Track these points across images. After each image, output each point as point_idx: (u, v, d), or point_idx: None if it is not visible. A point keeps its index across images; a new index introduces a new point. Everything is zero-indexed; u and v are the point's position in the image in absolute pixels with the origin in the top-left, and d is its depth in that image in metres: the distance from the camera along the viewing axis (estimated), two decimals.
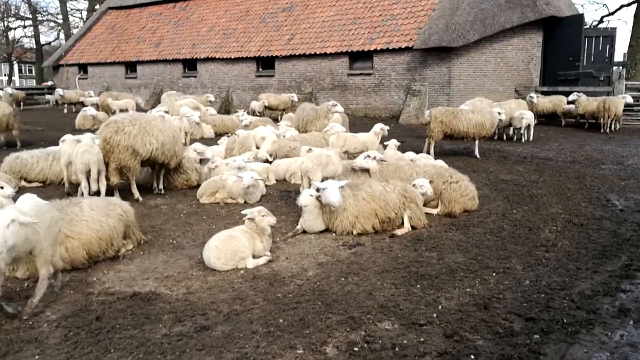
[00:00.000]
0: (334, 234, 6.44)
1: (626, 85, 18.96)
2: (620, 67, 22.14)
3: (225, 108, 24.74)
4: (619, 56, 25.83)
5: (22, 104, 25.86)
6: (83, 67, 32.42)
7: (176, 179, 9.00)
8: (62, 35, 48.84)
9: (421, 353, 3.67)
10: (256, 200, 8.14)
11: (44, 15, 49.46)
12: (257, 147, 10.22)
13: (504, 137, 15.32)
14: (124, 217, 5.75)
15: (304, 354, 3.66)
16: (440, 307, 4.41)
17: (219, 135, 15.74)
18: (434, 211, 7.40)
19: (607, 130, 16.38)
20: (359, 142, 10.01)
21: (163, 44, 28.91)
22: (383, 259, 5.58)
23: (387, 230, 6.53)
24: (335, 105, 13.33)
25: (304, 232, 6.55)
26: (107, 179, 7.79)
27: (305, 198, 6.42)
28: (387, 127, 10.38)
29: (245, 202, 8.06)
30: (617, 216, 7.26)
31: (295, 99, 20.43)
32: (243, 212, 5.69)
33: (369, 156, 7.77)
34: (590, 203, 7.98)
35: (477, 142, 12.14)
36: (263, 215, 5.58)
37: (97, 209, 5.53)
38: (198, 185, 8.68)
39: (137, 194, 8.15)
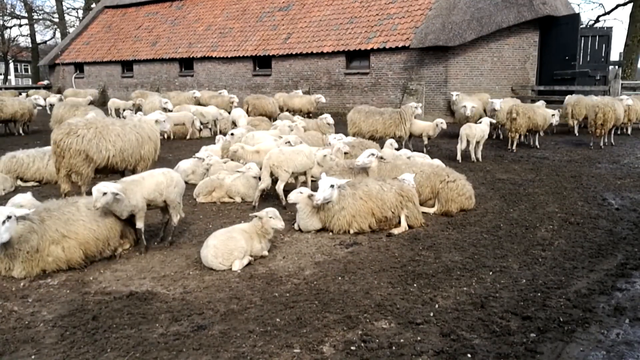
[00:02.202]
0: (330, 233, 6.44)
1: (622, 84, 19.00)
2: (617, 67, 22.18)
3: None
4: (615, 55, 25.86)
5: None
6: (79, 66, 32.33)
7: None
8: (58, 34, 48.62)
9: (418, 352, 3.67)
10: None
11: (40, 14, 49.34)
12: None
13: (501, 136, 15.33)
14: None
15: (300, 353, 3.66)
16: (437, 306, 4.42)
17: (214, 134, 15.72)
18: (431, 210, 7.41)
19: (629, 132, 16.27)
20: None
21: (159, 43, 28.86)
22: (380, 258, 5.58)
23: (384, 229, 6.53)
24: (417, 107, 12.05)
25: (300, 230, 6.55)
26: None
27: (294, 196, 6.45)
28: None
29: (242, 200, 8.07)
30: (613, 215, 7.28)
31: (301, 93, 20.08)
32: (252, 214, 5.68)
33: (372, 154, 7.71)
34: (586, 202, 8.00)
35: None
36: (270, 217, 5.57)
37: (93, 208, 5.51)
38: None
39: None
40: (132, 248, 5.89)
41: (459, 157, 11.42)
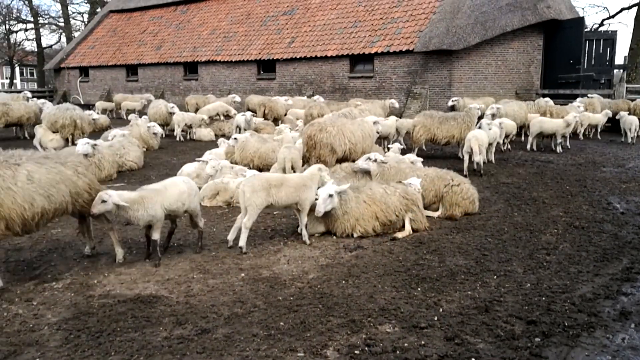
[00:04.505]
0: (334, 237, 6.43)
1: (627, 88, 18.94)
2: (621, 70, 22.14)
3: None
4: (619, 59, 25.81)
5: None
6: (84, 70, 32.46)
7: None
8: (63, 39, 48.82)
9: (422, 356, 3.66)
10: None
11: (46, 19, 49.48)
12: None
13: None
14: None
15: (304, 357, 3.66)
16: (441, 310, 4.41)
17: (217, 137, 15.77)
18: (435, 214, 7.39)
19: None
20: None
21: (164, 47, 28.95)
22: (384, 262, 5.57)
23: (388, 233, 6.52)
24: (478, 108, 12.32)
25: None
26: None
27: None
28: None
29: None
30: (618, 219, 7.25)
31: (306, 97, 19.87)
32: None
33: (369, 158, 7.77)
34: (591, 206, 7.97)
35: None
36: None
37: (41, 174, 4.95)
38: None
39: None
40: (141, 255, 5.89)
41: (466, 171, 10.09)
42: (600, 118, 15.77)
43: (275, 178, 6.06)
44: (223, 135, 15.52)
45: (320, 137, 8.68)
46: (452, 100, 17.47)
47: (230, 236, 6.12)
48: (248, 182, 5.87)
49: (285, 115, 17.28)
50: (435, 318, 4.24)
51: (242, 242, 5.84)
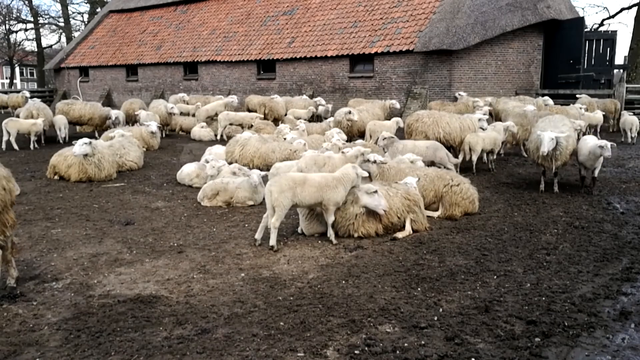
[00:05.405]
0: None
1: (627, 88, 18.94)
2: (621, 70, 22.13)
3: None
4: (619, 59, 25.84)
5: None
6: (84, 70, 32.45)
7: None
8: (63, 39, 48.84)
9: (422, 356, 3.66)
10: (259, 202, 8.15)
11: (46, 19, 49.50)
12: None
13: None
14: None
15: (304, 357, 3.66)
16: (441, 309, 4.41)
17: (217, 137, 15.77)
18: (435, 214, 7.39)
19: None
20: None
21: (164, 47, 28.95)
22: (384, 262, 5.57)
23: (389, 233, 6.52)
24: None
25: (303, 234, 6.56)
26: None
27: None
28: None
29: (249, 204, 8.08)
30: (618, 219, 7.25)
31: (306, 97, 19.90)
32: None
33: (369, 160, 7.75)
34: (591, 206, 7.97)
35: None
36: None
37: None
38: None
39: None
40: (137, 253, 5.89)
41: (473, 169, 10.47)
42: (600, 118, 15.79)
43: (299, 177, 6.13)
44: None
45: (416, 125, 10.79)
46: (459, 94, 17.66)
47: (258, 235, 6.20)
48: (275, 183, 5.98)
49: (285, 115, 17.27)
50: (435, 318, 4.24)
51: (272, 241, 5.96)
